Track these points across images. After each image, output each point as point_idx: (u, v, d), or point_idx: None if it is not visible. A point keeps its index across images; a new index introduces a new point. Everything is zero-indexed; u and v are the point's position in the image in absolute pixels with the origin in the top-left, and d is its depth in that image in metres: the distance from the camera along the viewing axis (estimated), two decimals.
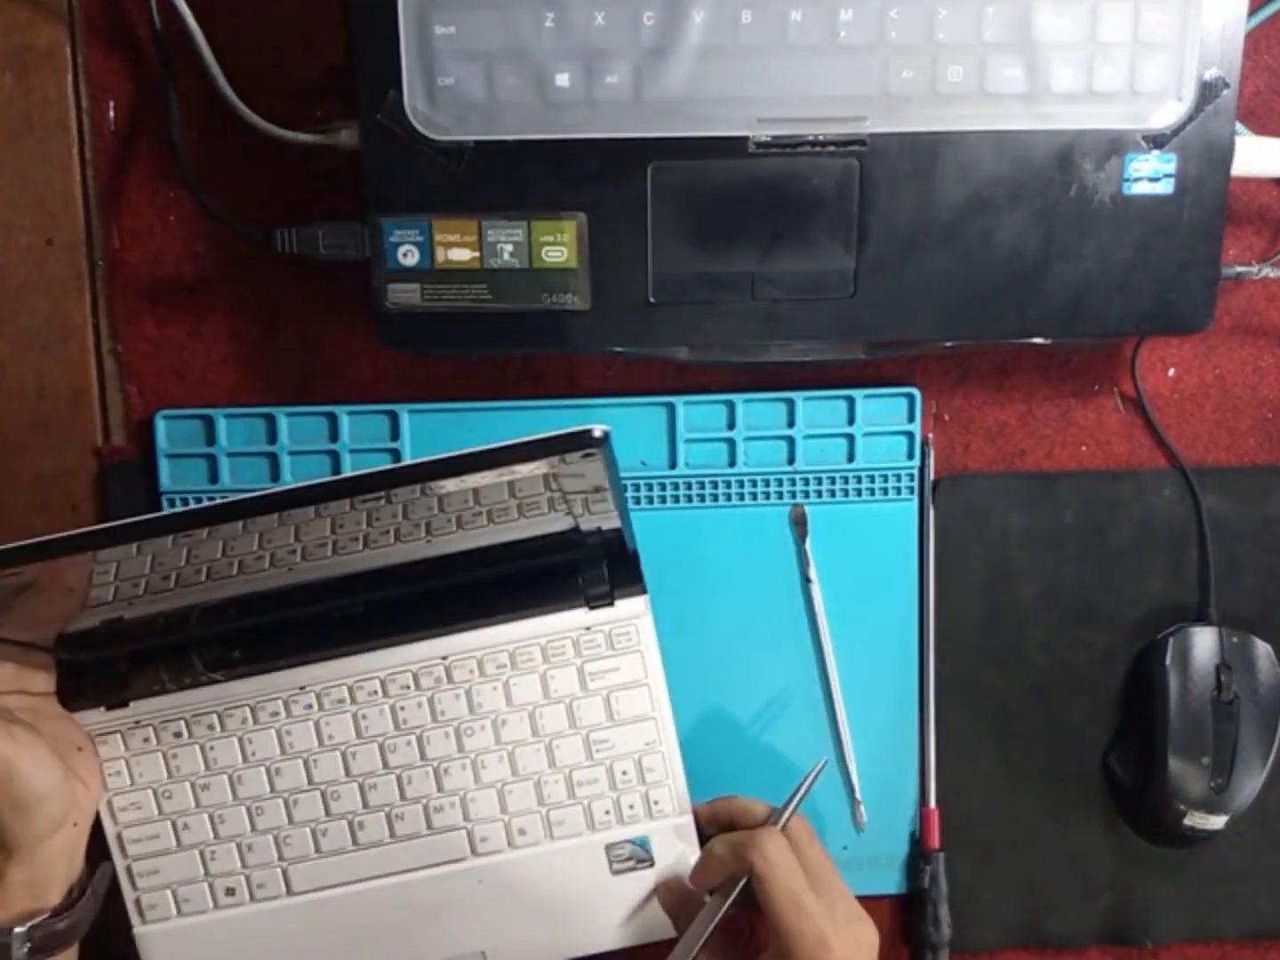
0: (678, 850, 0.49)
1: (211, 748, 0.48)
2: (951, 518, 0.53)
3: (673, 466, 0.52)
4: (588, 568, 0.48)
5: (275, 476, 0.51)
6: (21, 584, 0.40)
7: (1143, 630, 0.53)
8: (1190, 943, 0.55)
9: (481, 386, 0.52)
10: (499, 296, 0.46)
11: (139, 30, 0.49)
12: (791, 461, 0.52)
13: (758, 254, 0.46)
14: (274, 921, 0.49)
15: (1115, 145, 0.45)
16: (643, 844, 0.49)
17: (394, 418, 0.51)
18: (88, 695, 0.48)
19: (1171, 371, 0.53)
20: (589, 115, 0.44)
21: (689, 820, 0.49)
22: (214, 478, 0.51)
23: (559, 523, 0.47)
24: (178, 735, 0.48)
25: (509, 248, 0.45)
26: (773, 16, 0.43)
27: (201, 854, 0.48)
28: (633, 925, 0.49)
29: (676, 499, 0.52)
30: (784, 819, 0.45)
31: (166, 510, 0.51)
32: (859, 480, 0.52)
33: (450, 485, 0.41)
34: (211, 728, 0.48)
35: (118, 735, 0.48)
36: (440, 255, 0.45)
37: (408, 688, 0.48)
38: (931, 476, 0.52)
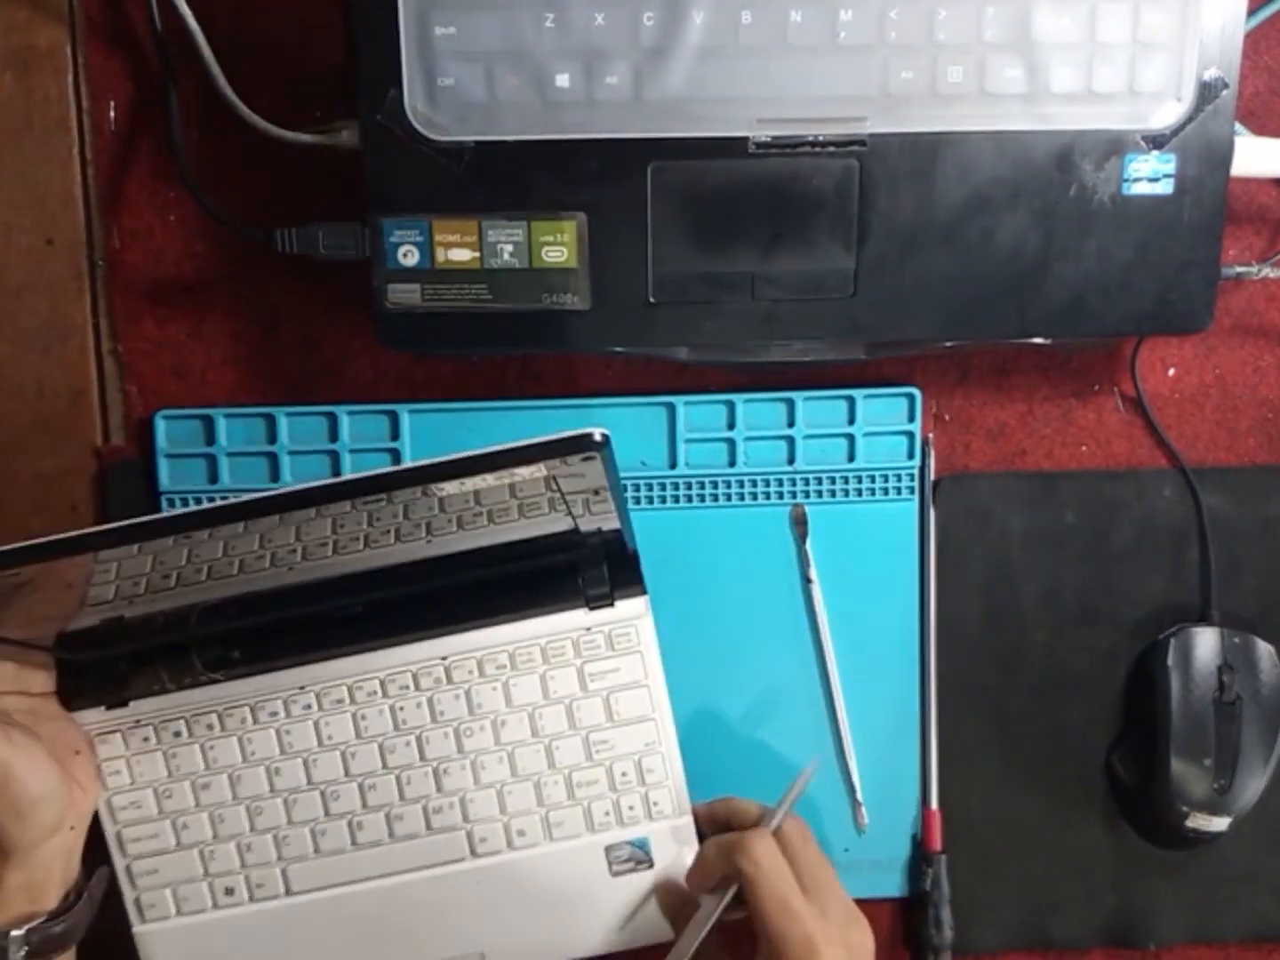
0: (677, 851, 0.49)
1: (211, 747, 0.48)
2: (952, 518, 0.53)
3: (673, 466, 0.52)
4: (588, 568, 0.48)
5: (275, 477, 0.51)
6: (19, 582, 0.40)
7: (1144, 631, 0.53)
8: (1193, 945, 0.55)
9: (481, 386, 0.52)
10: (499, 296, 0.46)
11: (139, 30, 0.49)
12: (791, 461, 0.52)
13: (758, 254, 0.46)
14: (273, 921, 0.49)
15: (1115, 145, 0.45)
16: (642, 845, 0.49)
17: (394, 418, 0.51)
18: (88, 694, 0.48)
19: (1171, 371, 0.53)
20: (589, 115, 0.44)
21: (689, 821, 0.49)
22: (214, 478, 0.51)
23: (559, 523, 0.47)
24: (177, 735, 0.48)
25: (509, 248, 0.45)
26: (773, 16, 0.43)
27: (201, 853, 0.48)
28: (632, 927, 0.49)
29: (676, 499, 0.52)
30: (775, 821, 0.45)
31: (166, 510, 0.51)
32: (859, 480, 0.52)
33: (450, 487, 0.41)
34: (211, 727, 0.48)
35: (118, 734, 0.48)
36: (440, 255, 0.45)
37: (407, 688, 0.48)
38: (932, 476, 0.52)
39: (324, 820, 0.48)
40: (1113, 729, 0.54)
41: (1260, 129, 0.50)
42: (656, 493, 0.52)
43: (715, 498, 0.52)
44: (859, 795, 0.53)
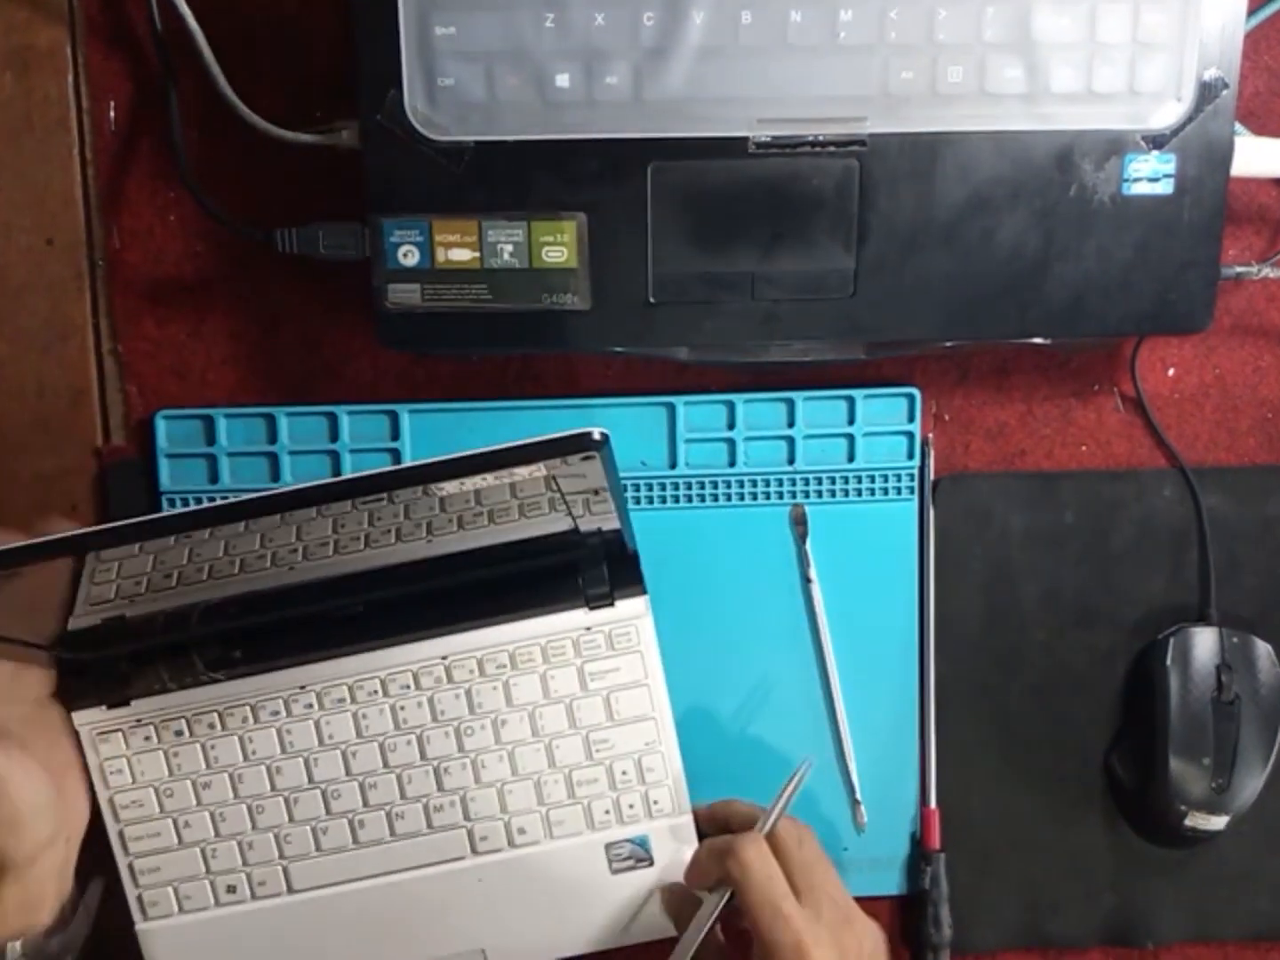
0: (677, 849, 0.49)
1: (212, 746, 0.48)
2: (952, 518, 0.53)
3: (673, 466, 0.52)
4: (588, 568, 0.48)
5: (275, 476, 0.51)
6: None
7: (1143, 630, 0.53)
8: (1191, 944, 0.55)
9: (481, 386, 0.52)
10: (499, 296, 0.46)
11: (139, 30, 0.49)
12: (791, 461, 0.52)
13: (758, 254, 0.46)
14: (274, 919, 0.49)
15: (1115, 145, 0.45)
16: (642, 843, 0.49)
17: (394, 418, 0.51)
18: (89, 694, 0.48)
19: (1171, 371, 0.53)
20: (589, 115, 0.44)
21: (688, 820, 0.49)
22: (214, 478, 0.51)
23: (559, 523, 0.47)
24: (179, 734, 0.48)
25: (509, 248, 0.45)
26: (773, 17, 0.43)
27: (203, 851, 0.49)
28: (632, 924, 0.49)
29: (676, 499, 0.52)
30: (767, 824, 0.45)
31: (167, 510, 0.51)
32: (859, 480, 0.52)
33: (450, 487, 0.41)
34: (212, 726, 0.48)
35: (119, 733, 0.48)
36: (440, 255, 0.45)
37: (408, 687, 0.48)
38: (931, 476, 0.52)
39: (325, 819, 0.49)
40: (1112, 728, 0.54)
41: (1260, 129, 0.50)
42: (656, 493, 0.52)
43: (715, 498, 0.52)
44: (858, 794, 0.53)
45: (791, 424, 0.52)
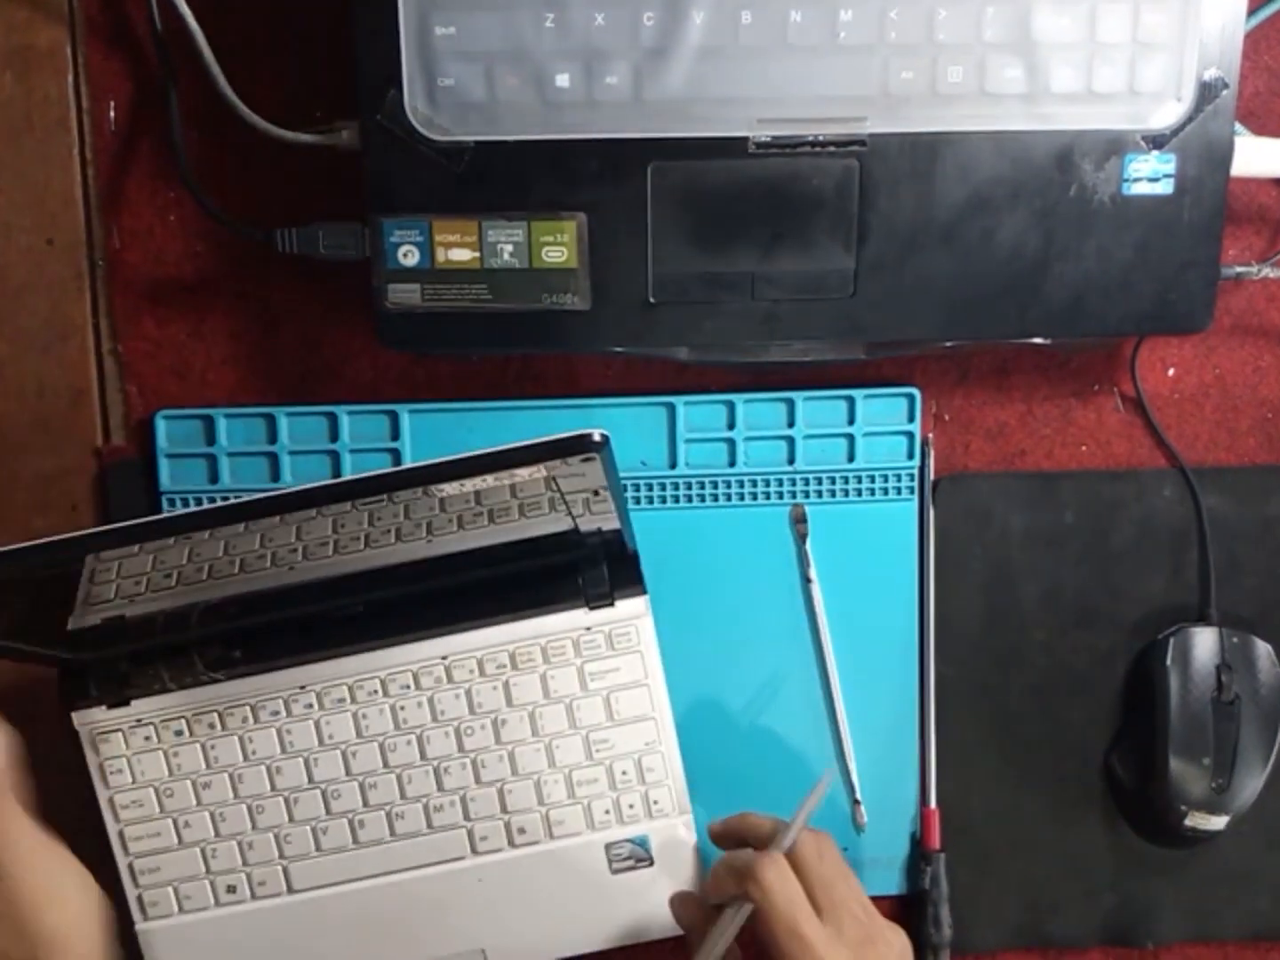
0: (677, 849, 0.49)
1: (212, 746, 0.48)
2: (951, 518, 0.53)
3: (673, 466, 0.52)
4: (588, 568, 0.48)
5: (275, 476, 0.51)
6: None
7: (1143, 630, 0.53)
8: (1191, 943, 0.55)
9: (481, 386, 0.52)
10: (499, 296, 0.46)
11: (139, 30, 0.49)
12: (791, 461, 0.52)
13: (758, 254, 0.46)
14: (275, 919, 0.49)
15: (1115, 145, 0.45)
16: (642, 843, 0.49)
17: (394, 418, 0.51)
18: (89, 694, 0.48)
19: (1171, 371, 0.53)
20: (589, 115, 0.44)
21: (689, 819, 0.49)
22: (214, 478, 0.51)
23: (559, 523, 0.47)
24: (179, 734, 0.48)
25: (509, 248, 0.45)
26: (773, 17, 0.43)
27: (203, 851, 0.49)
28: (632, 924, 0.49)
29: (676, 499, 0.52)
30: (787, 841, 0.43)
31: (167, 510, 0.51)
32: (859, 480, 0.52)
33: (451, 487, 0.41)
34: (212, 726, 0.48)
35: (119, 733, 0.48)
36: (440, 255, 0.45)
37: (408, 687, 0.48)
38: (931, 476, 0.52)
39: (325, 819, 0.49)
40: (1111, 728, 0.54)
41: (1260, 129, 0.50)
42: (656, 493, 0.52)
43: (715, 498, 0.52)
44: (858, 794, 0.53)
45: (791, 424, 0.52)
